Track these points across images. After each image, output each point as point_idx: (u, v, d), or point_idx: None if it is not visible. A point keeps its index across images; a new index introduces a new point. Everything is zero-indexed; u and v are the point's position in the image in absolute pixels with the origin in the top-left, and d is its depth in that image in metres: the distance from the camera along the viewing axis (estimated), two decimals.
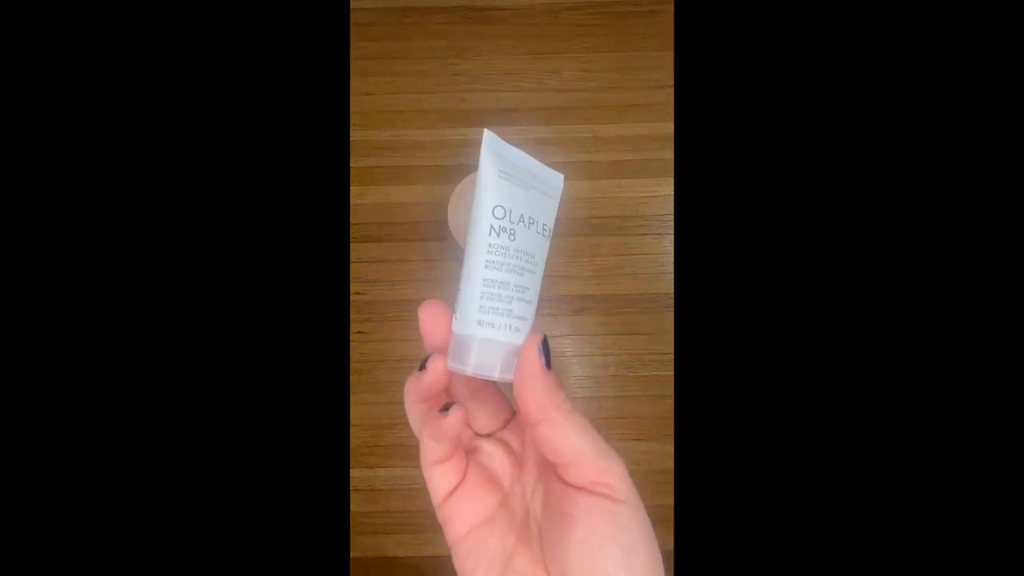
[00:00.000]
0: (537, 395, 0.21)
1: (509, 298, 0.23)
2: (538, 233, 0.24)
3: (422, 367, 0.23)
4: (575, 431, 0.21)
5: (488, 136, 0.23)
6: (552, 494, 0.23)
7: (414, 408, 0.24)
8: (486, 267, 0.23)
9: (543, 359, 0.22)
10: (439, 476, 0.24)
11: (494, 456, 0.25)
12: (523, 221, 0.24)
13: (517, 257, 0.23)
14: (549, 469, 0.23)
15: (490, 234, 0.23)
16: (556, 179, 0.26)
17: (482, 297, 0.23)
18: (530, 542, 0.23)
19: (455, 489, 0.24)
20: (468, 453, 0.25)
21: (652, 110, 0.74)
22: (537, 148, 0.74)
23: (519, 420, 0.26)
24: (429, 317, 0.24)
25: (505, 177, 0.23)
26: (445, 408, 0.22)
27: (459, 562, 0.23)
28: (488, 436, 0.26)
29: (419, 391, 0.23)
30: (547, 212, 0.25)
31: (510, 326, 0.23)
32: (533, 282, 0.24)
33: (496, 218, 0.23)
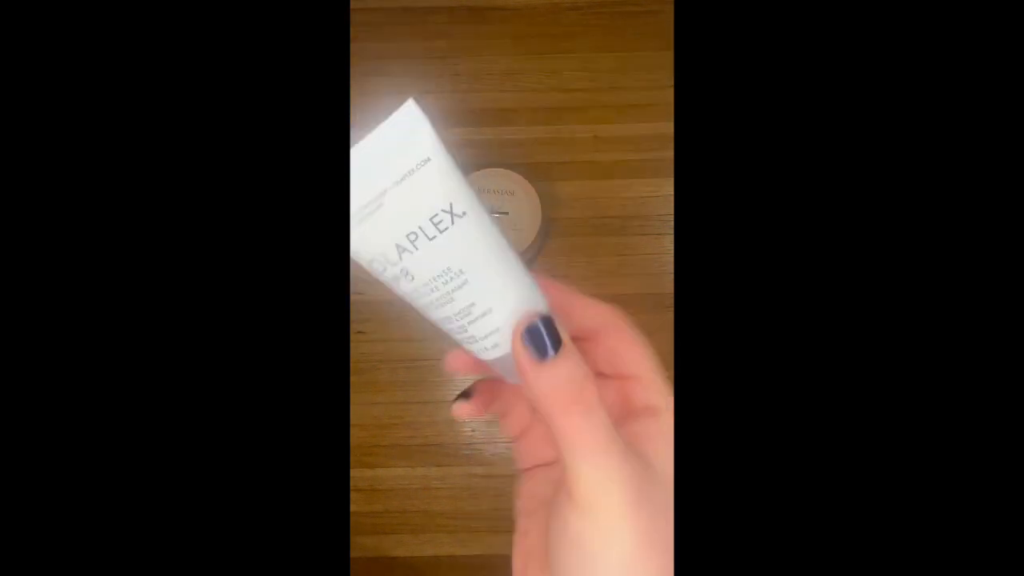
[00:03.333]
0: (533, 397, 0.20)
1: (461, 327, 0.20)
2: (434, 237, 0.18)
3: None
4: (575, 447, 0.20)
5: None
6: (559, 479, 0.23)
7: None
8: (424, 310, 0.20)
9: (530, 352, 0.19)
10: (504, 426, 0.26)
11: None
12: (404, 249, 0.18)
13: (431, 290, 0.19)
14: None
15: (396, 286, 0.19)
16: (404, 132, 0.17)
17: (451, 333, 0.21)
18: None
19: (519, 437, 0.26)
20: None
21: (652, 110, 0.74)
22: (537, 148, 0.74)
23: None
24: (457, 365, 0.25)
25: (354, 225, 0.18)
26: (459, 397, 0.24)
27: (520, 487, 0.26)
28: None
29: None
30: (419, 198, 0.17)
31: (485, 349, 0.21)
32: (470, 290, 0.19)
33: (379, 271, 0.19)
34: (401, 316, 0.71)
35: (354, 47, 0.74)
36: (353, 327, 0.71)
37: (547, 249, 0.71)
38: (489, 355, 0.21)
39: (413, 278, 0.19)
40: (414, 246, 0.18)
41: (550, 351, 0.19)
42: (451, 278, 0.19)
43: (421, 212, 0.18)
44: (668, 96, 0.75)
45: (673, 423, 0.22)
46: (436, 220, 0.18)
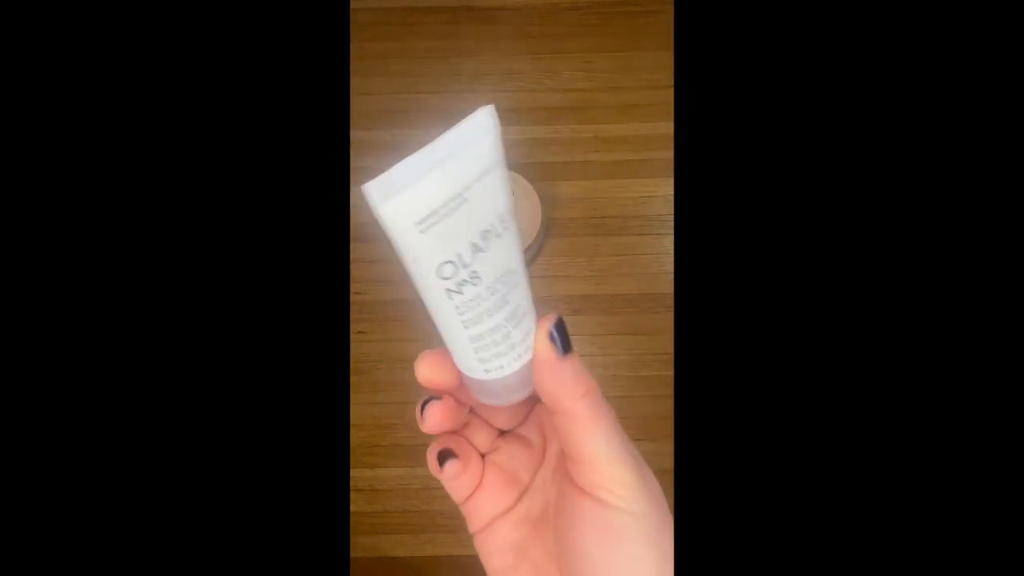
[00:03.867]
0: (551, 388, 0.20)
1: (506, 334, 0.20)
2: (500, 236, 0.19)
3: (422, 408, 0.22)
4: (591, 429, 0.20)
5: (372, 191, 0.17)
6: (562, 493, 0.22)
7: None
8: (466, 327, 0.19)
9: (555, 347, 0.20)
10: (455, 488, 0.24)
11: (513, 455, 0.25)
12: (478, 249, 0.18)
13: (492, 293, 0.19)
14: (564, 462, 0.23)
15: (451, 298, 0.19)
16: (481, 130, 0.18)
17: (477, 352, 0.20)
18: (545, 534, 0.23)
19: (472, 494, 0.24)
20: (487, 454, 0.25)
21: (652, 110, 0.74)
22: (537, 148, 0.74)
23: (538, 410, 0.25)
24: (429, 370, 0.22)
25: (429, 226, 0.17)
26: (441, 459, 0.22)
27: (478, 548, 0.24)
28: (508, 432, 0.25)
29: (424, 430, 0.23)
30: (494, 196, 0.18)
31: (518, 356, 0.20)
32: (520, 290, 0.20)
33: (445, 278, 0.18)
34: (401, 316, 0.71)
35: (354, 47, 0.74)
36: (353, 327, 0.71)
37: (547, 249, 0.71)
38: (518, 363, 0.21)
39: (480, 280, 0.18)
40: (487, 244, 0.18)
41: (567, 348, 0.21)
42: (509, 278, 0.19)
43: (495, 210, 0.18)
44: (668, 96, 0.75)
45: (618, 520, 0.20)
46: (503, 219, 0.19)
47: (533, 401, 0.25)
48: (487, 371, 0.21)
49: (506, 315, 0.20)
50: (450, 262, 0.18)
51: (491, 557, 0.23)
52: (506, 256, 0.19)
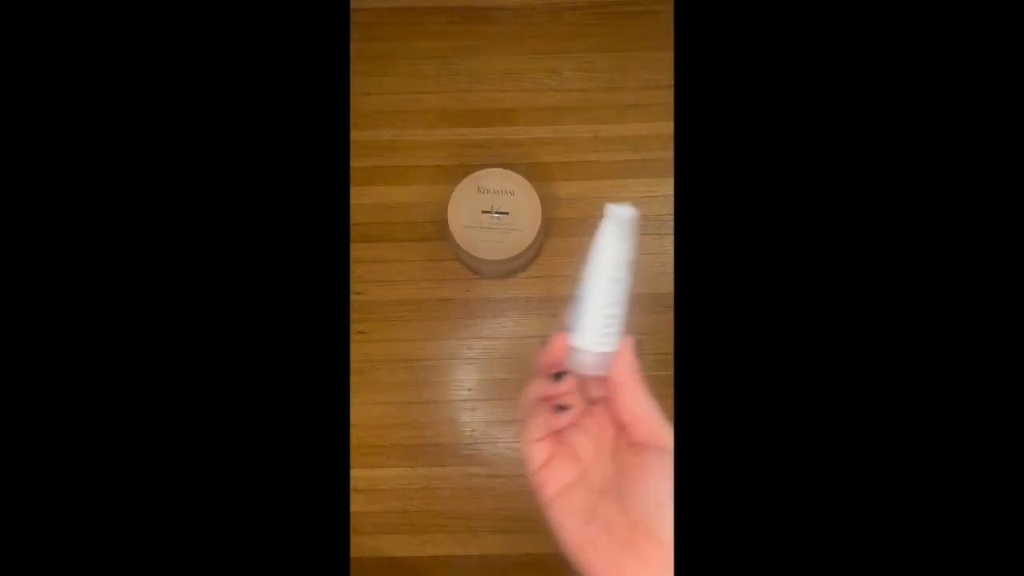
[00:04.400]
0: (629, 368, 0.29)
1: (617, 323, 0.31)
2: (622, 280, 0.32)
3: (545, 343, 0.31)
4: (646, 399, 0.29)
5: (616, 212, 0.32)
6: (626, 455, 0.28)
7: (534, 391, 0.31)
8: (607, 306, 0.31)
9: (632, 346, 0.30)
10: (536, 452, 0.31)
11: (577, 437, 0.31)
12: (619, 281, 0.32)
13: (617, 303, 0.31)
14: (621, 439, 0.29)
15: (613, 286, 0.32)
16: (628, 224, 0.33)
17: (605, 326, 0.31)
18: (609, 498, 0.28)
19: (547, 461, 0.30)
20: (556, 433, 0.31)
21: (652, 110, 0.74)
22: (537, 148, 0.74)
23: (601, 400, 0.32)
24: (559, 349, 0.31)
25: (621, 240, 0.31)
26: (561, 407, 0.30)
27: (552, 516, 0.29)
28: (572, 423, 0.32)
29: (545, 364, 0.31)
30: (621, 254, 0.33)
31: (607, 344, 0.31)
32: (620, 308, 0.32)
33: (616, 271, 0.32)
34: (401, 316, 0.71)
35: (354, 47, 0.74)
36: (353, 327, 0.71)
37: (547, 249, 0.71)
38: (605, 348, 0.31)
39: (623, 285, 0.32)
40: (619, 279, 0.32)
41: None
42: (621, 300, 0.32)
43: (620, 261, 0.32)
44: (668, 96, 0.75)
45: (669, 460, 0.26)
46: (623, 269, 0.32)
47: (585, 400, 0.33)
48: (602, 343, 0.31)
49: (623, 309, 0.32)
50: (615, 281, 0.32)
51: (567, 519, 0.29)
52: (627, 284, 0.32)
